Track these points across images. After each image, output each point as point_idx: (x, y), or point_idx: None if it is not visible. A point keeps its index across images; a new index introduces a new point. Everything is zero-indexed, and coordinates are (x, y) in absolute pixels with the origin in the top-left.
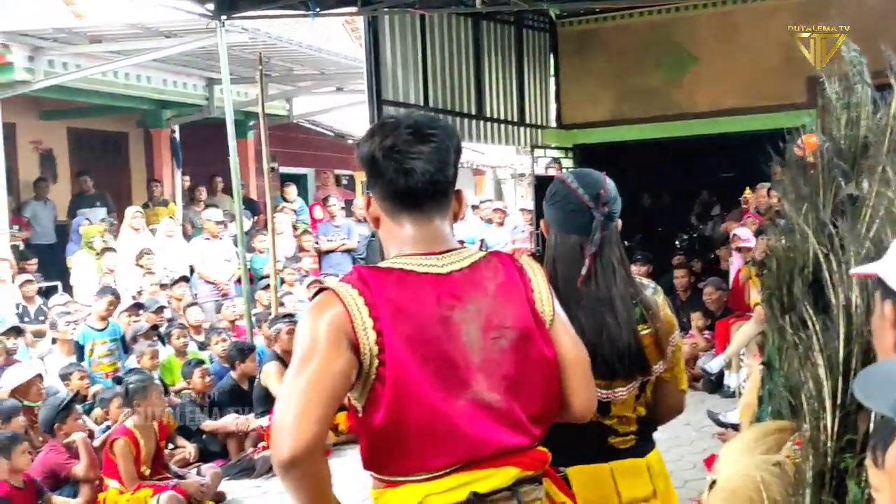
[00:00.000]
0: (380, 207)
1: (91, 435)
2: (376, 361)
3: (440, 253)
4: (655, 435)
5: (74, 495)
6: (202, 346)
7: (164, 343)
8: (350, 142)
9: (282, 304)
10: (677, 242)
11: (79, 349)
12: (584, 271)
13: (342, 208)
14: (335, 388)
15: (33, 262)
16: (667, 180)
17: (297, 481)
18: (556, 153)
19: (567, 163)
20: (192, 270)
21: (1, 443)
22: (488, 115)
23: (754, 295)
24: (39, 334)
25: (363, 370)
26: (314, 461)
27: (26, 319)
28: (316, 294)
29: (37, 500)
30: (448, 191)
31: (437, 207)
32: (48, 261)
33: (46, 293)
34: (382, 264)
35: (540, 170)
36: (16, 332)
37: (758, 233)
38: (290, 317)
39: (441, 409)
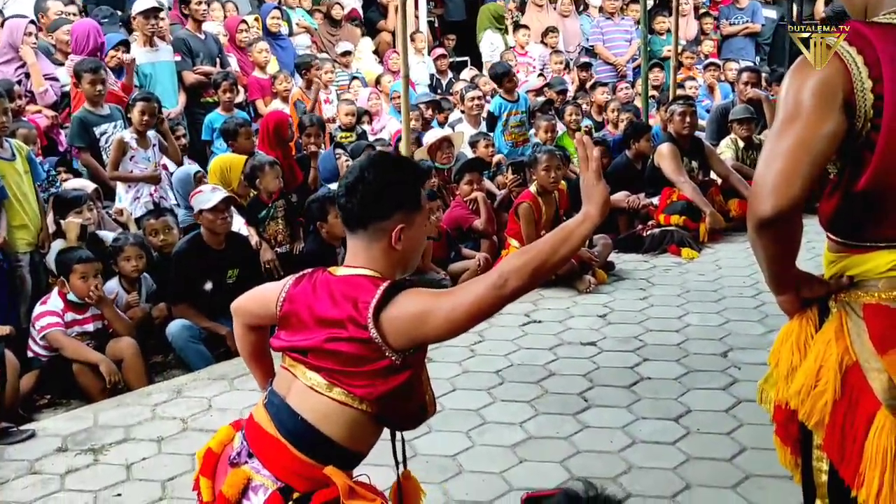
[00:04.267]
0: None
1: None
2: (869, 126)
3: None
4: None
5: (475, 248)
6: (598, 127)
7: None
8: None
9: (680, 87)
10: None
11: (491, 118)
12: None
13: None
14: (822, 152)
15: (451, 38)
16: None
17: (772, 239)
18: None
19: None
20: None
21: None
22: None
23: None
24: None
25: (851, 133)
26: (793, 221)
27: (438, 91)
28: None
29: (450, 250)
30: None
31: None
32: (459, 37)
33: (457, 68)
34: (879, 19)
35: None
36: (435, 105)
37: None
38: (687, 99)
39: None
